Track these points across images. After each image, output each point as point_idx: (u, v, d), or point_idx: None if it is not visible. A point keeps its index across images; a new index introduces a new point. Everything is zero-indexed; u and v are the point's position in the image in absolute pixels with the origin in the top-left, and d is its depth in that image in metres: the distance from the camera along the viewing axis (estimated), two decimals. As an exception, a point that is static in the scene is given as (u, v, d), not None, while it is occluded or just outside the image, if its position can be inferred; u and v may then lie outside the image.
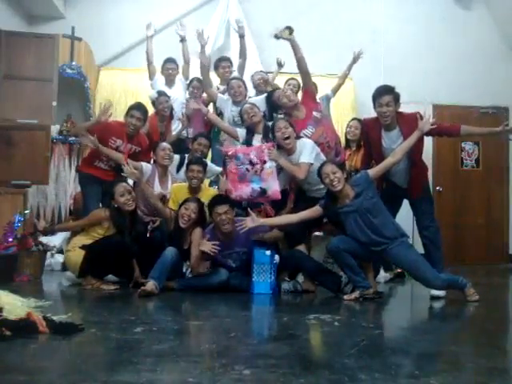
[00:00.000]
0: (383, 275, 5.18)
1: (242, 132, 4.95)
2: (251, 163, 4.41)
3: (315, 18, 7.32)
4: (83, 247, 4.23)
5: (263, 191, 4.41)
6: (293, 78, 5.74)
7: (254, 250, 4.21)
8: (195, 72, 5.69)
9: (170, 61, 5.73)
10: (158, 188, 4.76)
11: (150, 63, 5.68)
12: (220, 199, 4.31)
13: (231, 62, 5.88)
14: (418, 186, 4.28)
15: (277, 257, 4.21)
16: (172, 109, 5.46)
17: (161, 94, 5.40)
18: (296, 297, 4.12)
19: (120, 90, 6.86)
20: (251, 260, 4.18)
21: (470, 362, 2.39)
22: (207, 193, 4.76)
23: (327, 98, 5.07)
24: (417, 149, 4.23)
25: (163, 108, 5.36)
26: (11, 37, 5.89)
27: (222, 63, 5.84)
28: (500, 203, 7.58)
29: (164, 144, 4.87)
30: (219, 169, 5.15)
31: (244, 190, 4.42)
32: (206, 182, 5.08)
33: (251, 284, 4.15)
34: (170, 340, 2.58)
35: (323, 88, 5.71)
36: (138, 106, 4.85)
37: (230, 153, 4.47)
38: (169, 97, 5.42)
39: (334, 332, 2.95)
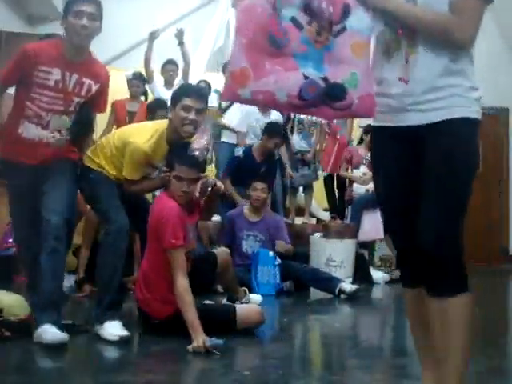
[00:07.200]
0: (382, 276, 5.15)
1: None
2: (314, 15, 1.57)
3: (315, 18, 7.32)
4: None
5: (336, 88, 1.56)
6: None
7: (259, 251, 4.21)
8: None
9: (170, 62, 5.70)
10: None
11: (148, 66, 5.65)
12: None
13: None
14: None
15: (278, 259, 4.21)
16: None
17: (136, 76, 5.40)
18: (296, 298, 4.11)
19: (120, 90, 6.86)
20: (255, 260, 4.18)
21: (470, 362, 2.39)
22: None
23: None
24: None
25: (134, 91, 5.33)
26: (11, 37, 5.87)
27: None
28: (500, 203, 7.57)
29: None
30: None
31: (283, 79, 1.57)
32: None
33: (254, 284, 4.11)
34: (169, 340, 2.58)
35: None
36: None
37: None
38: (143, 84, 5.37)
39: (334, 332, 2.95)
